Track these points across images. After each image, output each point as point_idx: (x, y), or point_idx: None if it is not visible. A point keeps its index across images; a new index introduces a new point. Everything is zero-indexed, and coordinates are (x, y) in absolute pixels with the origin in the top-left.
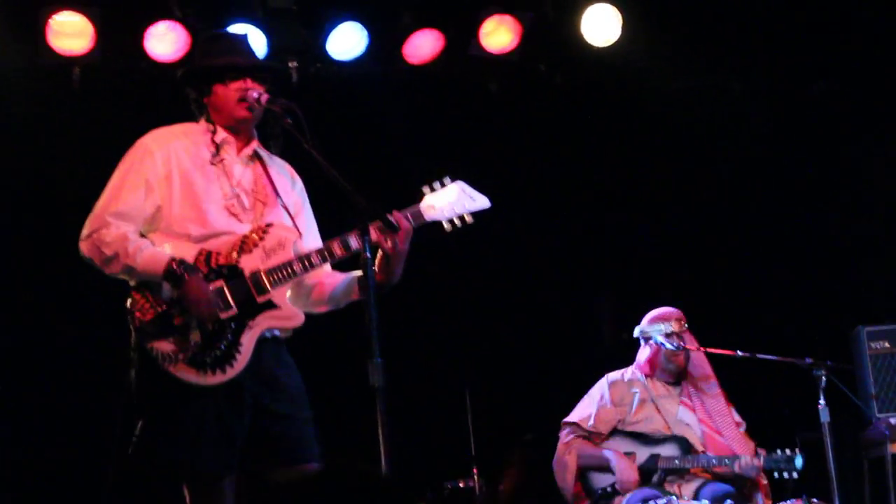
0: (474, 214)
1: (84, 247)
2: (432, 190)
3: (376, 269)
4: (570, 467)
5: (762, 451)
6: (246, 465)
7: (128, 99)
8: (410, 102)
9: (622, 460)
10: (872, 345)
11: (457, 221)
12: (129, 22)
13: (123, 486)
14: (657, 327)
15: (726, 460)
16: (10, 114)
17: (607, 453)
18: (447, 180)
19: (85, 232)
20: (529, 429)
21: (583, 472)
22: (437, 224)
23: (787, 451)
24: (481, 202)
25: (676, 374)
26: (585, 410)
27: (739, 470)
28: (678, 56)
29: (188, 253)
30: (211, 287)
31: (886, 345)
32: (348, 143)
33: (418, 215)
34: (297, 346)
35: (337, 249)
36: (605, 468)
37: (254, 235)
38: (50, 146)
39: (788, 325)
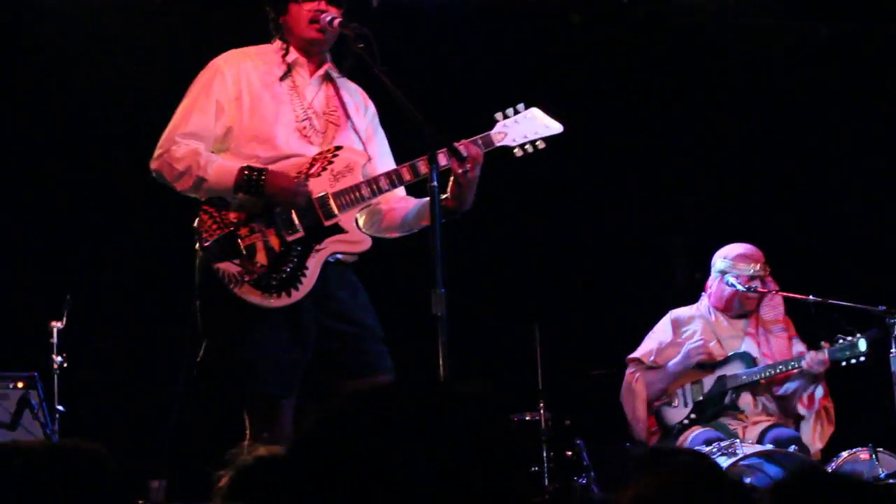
0: (549, 141)
1: (155, 164)
2: (505, 117)
3: (448, 194)
4: (639, 395)
5: (825, 344)
6: (317, 384)
7: (210, 17)
8: (490, 32)
9: (683, 354)
10: None
11: (528, 147)
12: None
13: (190, 405)
14: (744, 268)
15: (792, 363)
16: (94, 28)
17: (669, 364)
18: (521, 107)
19: (157, 152)
20: (598, 365)
21: (657, 412)
22: (512, 155)
23: (849, 338)
24: (554, 128)
25: (745, 310)
26: (648, 346)
27: (807, 366)
28: None
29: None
30: (277, 210)
31: None
32: (425, 73)
33: (489, 141)
34: (362, 273)
35: (406, 174)
36: (673, 389)
37: (322, 158)
38: (130, 67)
39: (864, 272)
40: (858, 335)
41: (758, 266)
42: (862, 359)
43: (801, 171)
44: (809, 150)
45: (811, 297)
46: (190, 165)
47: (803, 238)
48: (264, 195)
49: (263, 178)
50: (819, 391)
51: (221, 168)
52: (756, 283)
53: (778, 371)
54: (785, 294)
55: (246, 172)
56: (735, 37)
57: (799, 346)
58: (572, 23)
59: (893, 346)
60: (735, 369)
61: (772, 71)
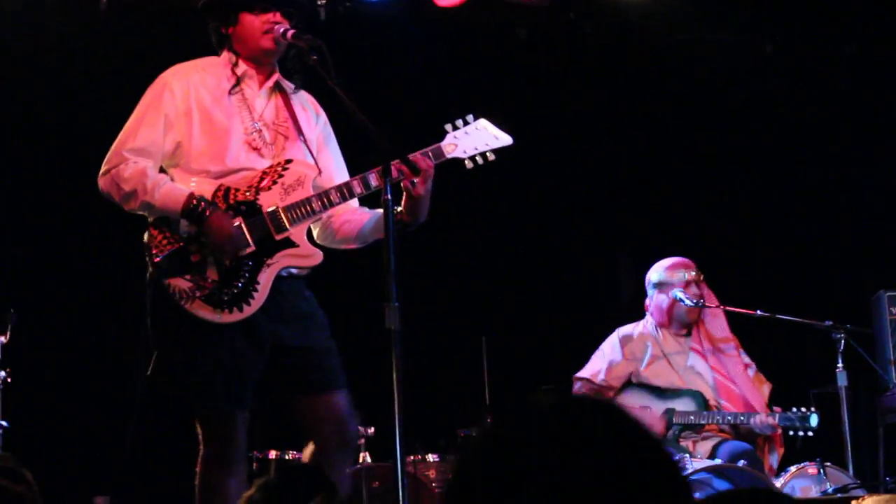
0: (498, 154)
1: (102, 182)
2: (455, 128)
3: (401, 208)
4: None
5: (777, 409)
6: (270, 398)
7: (156, 28)
8: (437, 46)
9: (643, 411)
10: (893, 310)
11: (479, 159)
12: None
13: (143, 420)
14: (679, 275)
15: (741, 417)
16: (38, 39)
17: (627, 397)
18: (470, 118)
19: (103, 168)
20: (544, 380)
21: None
22: (462, 167)
23: (802, 410)
24: (504, 139)
25: (689, 325)
26: (597, 365)
27: (755, 427)
28: (710, 11)
29: (207, 189)
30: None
31: None
32: (373, 84)
33: (439, 153)
34: (315, 287)
35: (357, 187)
36: None
37: (272, 171)
38: (75, 74)
39: (809, 287)
40: (812, 410)
41: (691, 272)
42: (810, 433)
43: (748, 187)
44: (757, 166)
45: (758, 311)
46: (136, 188)
47: (751, 254)
48: (202, 228)
49: (207, 213)
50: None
51: (168, 193)
52: (694, 290)
53: (727, 421)
54: (731, 309)
55: (193, 202)
56: (682, 52)
57: (745, 359)
58: (519, 37)
59: (840, 361)
60: (686, 406)
61: (718, 86)
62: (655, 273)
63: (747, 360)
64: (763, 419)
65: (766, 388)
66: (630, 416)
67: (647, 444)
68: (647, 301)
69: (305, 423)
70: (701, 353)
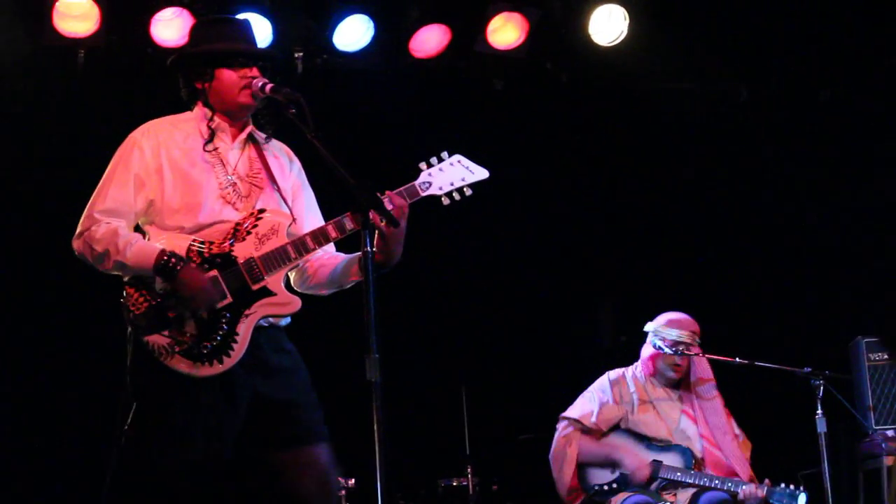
0: (479, 200)
1: (76, 245)
2: (430, 165)
3: (375, 248)
4: (570, 458)
5: (767, 483)
6: (249, 451)
7: (132, 84)
8: (415, 97)
9: (632, 455)
10: (871, 356)
11: (455, 194)
12: (136, 6)
13: (123, 476)
14: (671, 332)
15: (729, 483)
16: (14, 95)
17: (612, 443)
18: (445, 154)
19: (77, 231)
20: (524, 429)
21: (580, 468)
22: (440, 212)
23: (791, 487)
24: (480, 173)
25: (675, 381)
26: (587, 406)
27: (742, 497)
28: (686, 58)
29: (181, 245)
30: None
31: (885, 356)
32: (350, 136)
33: (414, 192)
34: (295, 338)
35: (332, 232)
36: (608, 463)
37: (246, 223)
38: (52, 130)
39: (788, 334)
40: (801, 489)
41: (685, 333)
42: None
43: (728, 233)
44: (735, 212)
45: (737, 358)
46: (108, 248)
47: (731, 302)
48: (173, 284)
49: (178, 268)
50: None
51: (140, 251)
52: (680, 348)
53: (715, 486)
54: (710, 356)
55: (164, 258)
56: (660, 99)
57: (736, 429)
58: (495, 88)
59: (819, 407)
60: (674, 461)
61: (695, 133)
62: (652, 324)
63: (737, 430)
64: (752, 490)
65: (748, 451)
66: None
67: None
68: (644, 349)
69: (286, 478)
70: (692, 417)
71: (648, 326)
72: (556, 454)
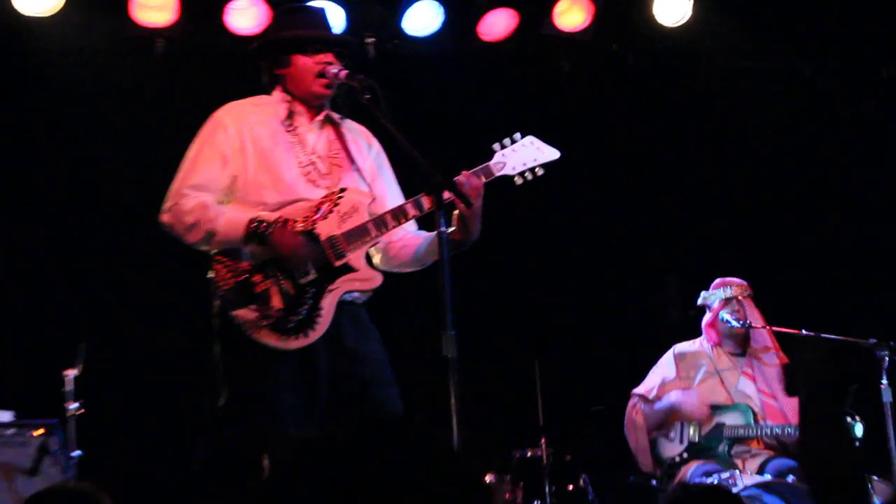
0: (550, 177)
1: (165, 218)
2: (503, 147)
3: (454, 228)
4: (639, 425)
5: None
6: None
7: (208, 72)
8: (484, 80)
9: (685, 394)
10: None
11: (528, 175)
12: None
13: (214, 452)
14: (717, 293)
15: (788, 429)
16: (96, 83)
17: (667, 396)
18: (517, 136)
19: (165, 205)
20: (596, 401)
21: (653, 443)
22: (513, 183)
23: (847, 419)
24: (550, 154)
25: (741, 345)
26: (652, 381)
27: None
28: (749, 37)
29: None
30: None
31: None
32: (423, 118)
33: (489, 171)
34: (372, 316)
35: (410, 210)
36: (672, 420)
37: (328, 201)
38: (131, 116)
39: (854, 306)
40: (857, 419)
41: (734, 288)
42: (856, 443)
43: (792, 209)
44: (801, 189)
45: (803, 331)
46: (199, 219)
47: (797, 275)
48: (269, 247)
49: (270, 231)
50: None
51: (230, 220)
52: (735, 307)
53: (775, 434)
54: (776, 329)
55: (253, 225)
56: (725, 78)
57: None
58: (563, 70)
59: (884, 378)
60: (735, 420)
61: (760, 112)
62: (704, 293)
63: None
64: None
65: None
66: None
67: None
68: (703, 319)
69: None
70: (750, 376)
71: (700, 298)
72: (628, 428)
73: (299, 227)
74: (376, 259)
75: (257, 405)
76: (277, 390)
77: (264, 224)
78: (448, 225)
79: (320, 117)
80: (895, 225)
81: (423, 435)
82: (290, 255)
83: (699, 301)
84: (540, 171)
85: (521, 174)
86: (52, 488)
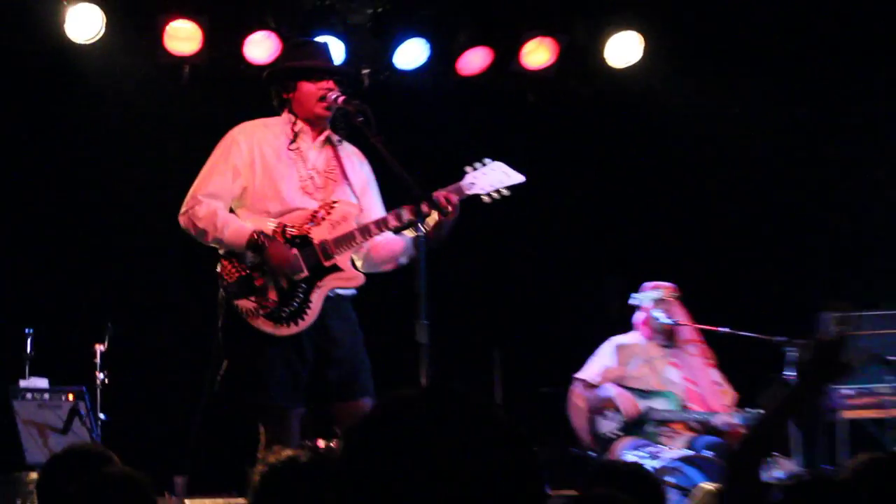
0: (511, 190)
1: (182, 220)
2: (474, 169)
3: (430, 226)
4: (581, 406)
5: (738, 410)
6: (311, 403)
7: (227, 94)
8: (461, 109)
9: (621, 391)
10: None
11: (495, 195)
12: (232, 30)
13: (212, 414)
14: (650, 294)
15: (707, 416)
16: (131, 104)
17: (606, 388)
18: (487, 160)
19: (183, 209)
20: (545, 384)
21: (591, 421)
22: (481, 201)
23: (759, 410)
24: (516, 178)
25: (669, 339)
26: (593, 368)
27: (717, 424)
28: (688, 78)
29: (267, 226)
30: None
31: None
32: (407, 140)
33: (459, 190)
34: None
35: (391, 221)
36: (608, 406)
37: (322, 211)
38: (161, 132)
39: (766, 307)
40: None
41: (662, 291)
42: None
43: (720, 223)
44: (727, 203)
45: (720, 328)
46: (207, 227)
47: (721, 279)
48: (263, 257)
49: (266, 244)
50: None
51: (235, 231)
52: (663, 307)
53: (694, 419)
54: (699, 326)
55: (254, 236)
56: (667, 113)
57: (714, 376)
58: (528, 101)
59: (786, 370)
60: (661, 405)
61: (696, 141)
62: (637, 294)
63: (718, 378)
64: (724, 418)
65: (730, 398)
66: (492, 405)
67: (505, 428)
68: (634, 317)
69: (339, 422)
70: (676, 365)
71: (633, 299)
72: (570, 407)
73: (296, 231)
74: (359, 263)
75: (251, 379)
76: (268, 367)
77: (263, 237)
78: (425, 229)
79: (322, 137)
80: (805, 240)
81: (483, 405)
82: (277, 265)
83: (631, 301)
84: (506, 192)
85: (489, 194)
86: (72, 447)
